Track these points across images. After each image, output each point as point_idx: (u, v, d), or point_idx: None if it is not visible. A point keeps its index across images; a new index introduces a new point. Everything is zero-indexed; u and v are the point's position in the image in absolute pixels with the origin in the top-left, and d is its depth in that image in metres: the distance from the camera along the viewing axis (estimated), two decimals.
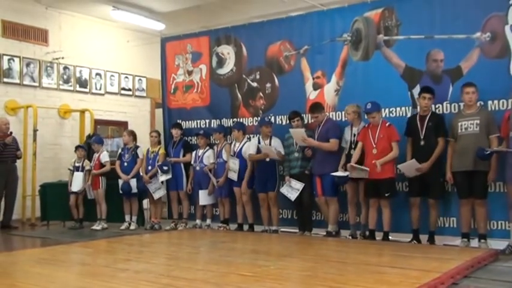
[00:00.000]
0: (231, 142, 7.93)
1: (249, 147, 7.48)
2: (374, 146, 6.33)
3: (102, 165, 8.61)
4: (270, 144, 7.28)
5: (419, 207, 6.29)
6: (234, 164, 7.55)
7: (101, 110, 11.28)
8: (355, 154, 6.48)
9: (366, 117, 6.57)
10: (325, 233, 6.96)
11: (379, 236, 6.46)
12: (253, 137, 7.72)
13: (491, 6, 6.13)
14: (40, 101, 10.18)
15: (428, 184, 6.18)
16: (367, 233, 6.58)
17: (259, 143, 7.39)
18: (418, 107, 6.37)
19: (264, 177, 7.37)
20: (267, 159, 7.29)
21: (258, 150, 7.37)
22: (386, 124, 6.35)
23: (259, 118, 7.84)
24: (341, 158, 6.77)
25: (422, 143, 6.22)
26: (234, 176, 7.56)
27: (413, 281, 4.04)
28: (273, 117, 7.66)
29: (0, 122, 8.79)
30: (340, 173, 6.60)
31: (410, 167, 6.14)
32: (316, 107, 7.03)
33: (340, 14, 7.25)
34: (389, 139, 6.27)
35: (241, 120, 8.00)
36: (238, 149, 7.61)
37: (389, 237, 6.43)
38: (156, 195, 8.31)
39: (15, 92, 9.96)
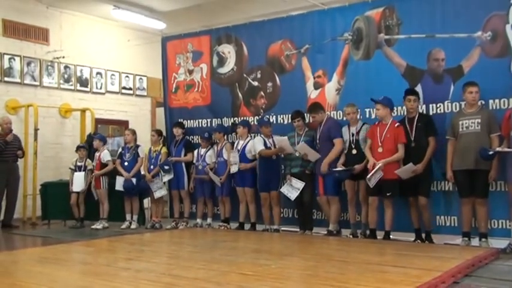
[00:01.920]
0: (232, 141, 7.95)
1: (256, 144, 7.44)
2: (380, 144, 6.32)
3: (102, 165, 8.60)
4: (274, 144, 7.27)
5: (417, 206, 6.30)
6: (234, 158, 7.54)
7: (102, 109, 11.29)
8: (368, 152, 6.40)
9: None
10: (326, 232, 6.97)
11: (380, 235, 6.46)
12: (257, 135, 7.71)
13: (492, 5, 6.12)
14: (41, 100, 10.18)
15: (418, 183, 6.18)
16: (368, 232, 6.59)
17: (265, 143, 7.36)
18: (405, 110, 6.41)
19: (268, 177, 7.36)
20: (274, 157, 7.27)
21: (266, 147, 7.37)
22: (396, 125, 6.32)
23: (259, 118, 7.85)
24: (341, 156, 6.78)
25: (413, 144, 6.23)
26: (235, 168, 7.54)
27: (414, 280, 4.04)
28: (274, 117, 7.66)
29: (2, 122, 8.80)
30: (340, 168, 6.62)
31: (407, 170, 6.15)
32: (314, 107, 7.03)
33: (341, 13, 7.25)
34: (395, 140, 6.25)
35: (242, 119, 7.98)
36: (241, 147, 7.61)
37: (391, 237, 6.42)
38: (157, 195, 8.32)
39: (16, 91, 9.96)
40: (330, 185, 6.80)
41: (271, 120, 7.64)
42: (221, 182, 7.76)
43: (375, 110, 6.54)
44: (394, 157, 6.24)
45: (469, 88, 5.93)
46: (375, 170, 6.17)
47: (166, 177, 8.19)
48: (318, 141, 6.95)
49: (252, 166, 7.49)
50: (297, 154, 7.11)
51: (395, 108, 6.64)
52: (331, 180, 6.78)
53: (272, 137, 7.35)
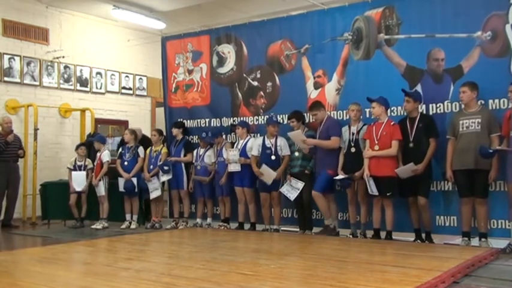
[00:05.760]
0: (232, 142, 7.95)
1: (253, 147, 7.46)
2: (376, 142, 6.34)
3: (103, 165, 8.59)
4: (276, 144, 7.27)
5: (417, 206, 6.30)
6: (234, 156, 7.54)
7: (102, 109, 11.31)
8: (365, 161, 6.42)
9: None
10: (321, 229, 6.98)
11: (382, 235, 6.48)
12: (255, 136, 7.72)
13: (492, 5, 6.13)
14: (41, 100, 10.19)
15: (418, 183, 6.18)
16: (367, 231, 6.61)
17: (263, 142, 7.37)
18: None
19: None
20: (273, 157, 7.23)
21: (262, 151, 7.34)
22: (391, 123, 6.36)
23: (260, 117, 7.86)
24: (339, 158, 6.78)
25: (411, 145, 6.23)
26: (236, 167, 7.53)
27: (414, 280, 4.05)
28: (276, 117, 7.66)
29: (2, 121, 8.80)
30: (341, 177, 6.61)
31: (407, 170, 6.16)
32: (315, 105, 7.03)
33: (341, 13, 7.25)
34: (391, 137, 6.27)
35: (241, 119, 7.98)
36: (242, 147, 7.60)
37: (393, 237, 6.42)
38: (152, 195, 8.31)
39: (15, 91, 9.96)
40: (320, 181, 6.80)
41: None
42: (221, 183, 7.74)
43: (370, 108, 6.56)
44: (384, 152, 6.27)
45: (460, 88, 5.98)
46: (369, 183, 6.31)
47: (165, 177, 8.19)
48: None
49: (251, 161, 7.47)
50: (296, 154, 7.12)
51: (395, 108, 6.66)
52: (323, 178, 6.77)
53: (276, 137, 7.33)
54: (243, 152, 7.54)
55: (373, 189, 6.31)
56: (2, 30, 9.82)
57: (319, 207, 6.86)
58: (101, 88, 11.47)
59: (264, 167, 7.23)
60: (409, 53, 6.66)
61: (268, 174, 7.20)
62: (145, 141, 8.80)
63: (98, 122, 10.93)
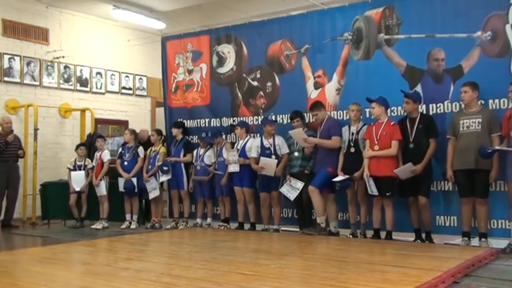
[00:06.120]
0: (232, 142, 7.95)
1: (252, 148, 7.45)
2: (376, 142, 6.35)
3: (104, 164, 8.59)
4: (274, 143, 7.27)
5: (417, 206, 6.29)
6: (233, 156, 7.54)
7: (102, 109, 11.31)
8: (365, 161, 6.43)
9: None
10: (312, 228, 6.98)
11: (382, 235, 6.47)
12: (254, 136, 7.72)
13: (492, 5, 6.13)
14: (41, 100, 10.19)
15: (418, 183, 6.18)
16: (367, 231, 6.60)
17: (261, 143, 7.37)
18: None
19: (268, 177, 7.32)
20: (273, 157, 7.23)
21: (261, 151, 7.33)
22: (391, 123, 6.37)
23: (259, 117, 7.86)
24: (339, 158, 6.78)
25: (411, 145, 6.23)
26: (236, 167, 7.52)
27: (414, 280, 4.05)
28: (273, 117, 7.66)
29: (2, 121, 8.80)
30: (340, 178, 6.61)
31: (406, 170, 6.16)
32: (316, 105, 7.03)
33: (341, 13, 7.25)
34: (391, 137, 6.28)
35: (241, 119, 7.99)
36: (241, 147, 7.60)
37: (393, 237, 6.42)
38: (151, 195, 8.31)
39: (15, 91, 9.96)
40: (318, 176, 6.80)
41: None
42: (222, 183, 7.73)
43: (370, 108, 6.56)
44: (384, 152, 6.27)
45: (461, 88, 5.97)
46: (369, 183, 6.33)
47: (164, 178, 8.18)
48: None
49: (250, 162, 7.46)
50: (296, 154, 7.13)
51: (395, 108, 6.66)
52: (322, 174, 6.78)
53: (274, 137, 7.33)
54: (243, 152, 7.54)
55: (373, 189, 6.32)
56: (2, 30, 9.82)
57: (314, 203, 6.82)
58: (101, 88, 11.47)
59: (263, 158, 7.21)
60: (409, 53, 6.66)
61: (268, 167, 7.18)
62: (150, 142, 8.76)
63: (98, 122, 10.93)
